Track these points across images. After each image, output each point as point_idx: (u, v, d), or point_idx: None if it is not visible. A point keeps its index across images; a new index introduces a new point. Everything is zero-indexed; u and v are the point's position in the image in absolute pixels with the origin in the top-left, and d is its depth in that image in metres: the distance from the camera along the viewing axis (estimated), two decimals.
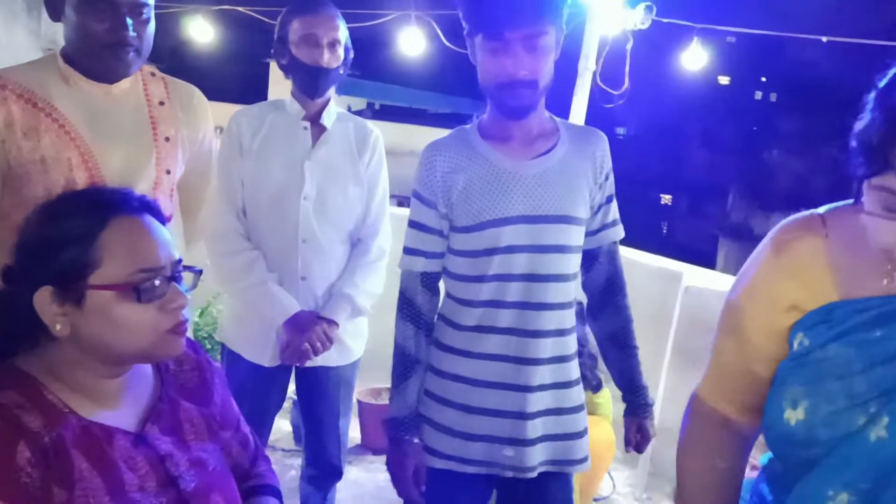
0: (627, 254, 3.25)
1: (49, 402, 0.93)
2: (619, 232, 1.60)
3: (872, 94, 0.86)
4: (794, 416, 0.93)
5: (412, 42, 4.95)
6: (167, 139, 1.51)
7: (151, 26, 1.45)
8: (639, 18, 3.74)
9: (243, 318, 1.96)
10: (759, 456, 1.13)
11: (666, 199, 31.56)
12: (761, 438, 1.05)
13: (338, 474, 2.10)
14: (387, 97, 19.50)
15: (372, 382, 3.14)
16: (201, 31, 5.15)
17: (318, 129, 1.96)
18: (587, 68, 3.67)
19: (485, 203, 1.44)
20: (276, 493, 1.19)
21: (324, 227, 1.93)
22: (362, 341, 2.08)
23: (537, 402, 1.47)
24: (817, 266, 0.94)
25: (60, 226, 0.95)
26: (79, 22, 1.37)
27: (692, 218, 28.69)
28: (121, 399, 1.01)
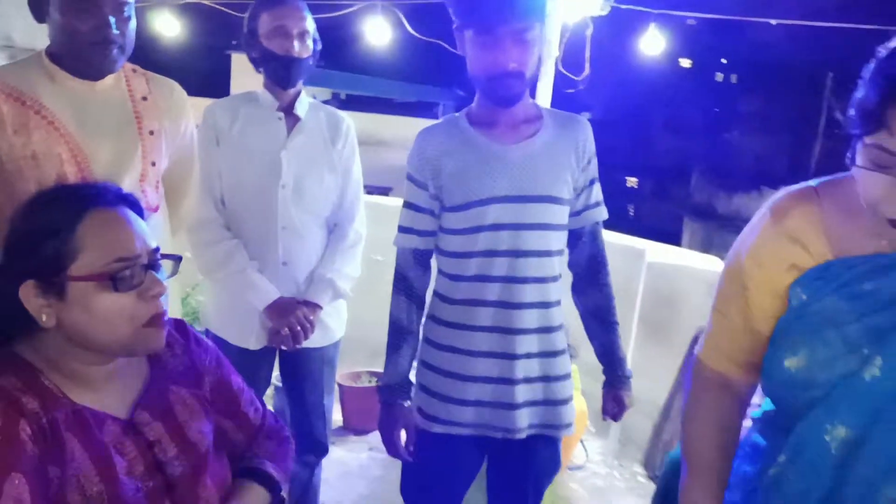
0: None
1: (45, 386, 0.97)
2: (602, 213, 1.69)
3: (873, 64, 0.95)
4: (793, 362, 1.04)
5: (378, 31, 4.98)
6: (151, 132, 1.57)
7: (133, 23, 1.51)
8: (598, 5, 3.84)
9: (226, 304, 2.03)
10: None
11: (632, 181, 31.91)
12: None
13: (324, 450, 2.18)
14: (353, 87, 19.40)
15: (351, 367, 3.23)
16: (166, 25, 5.13)
17: (291, 119, 2.03)
18: (550, 55, 3.77)
19: (472, 184, 1.54)
20: (266, 478, 1.18)
21: (302, 214, 2.01)
22: (342, 322, 2.16)
23: (524, 369, 1.58)
24: (813, 230, 1.06)
25: (38, 221, 0.98)
26: (63, 22, 1.42)
27: (657, 199, 29.09)
28: (111, 386, 1.04)
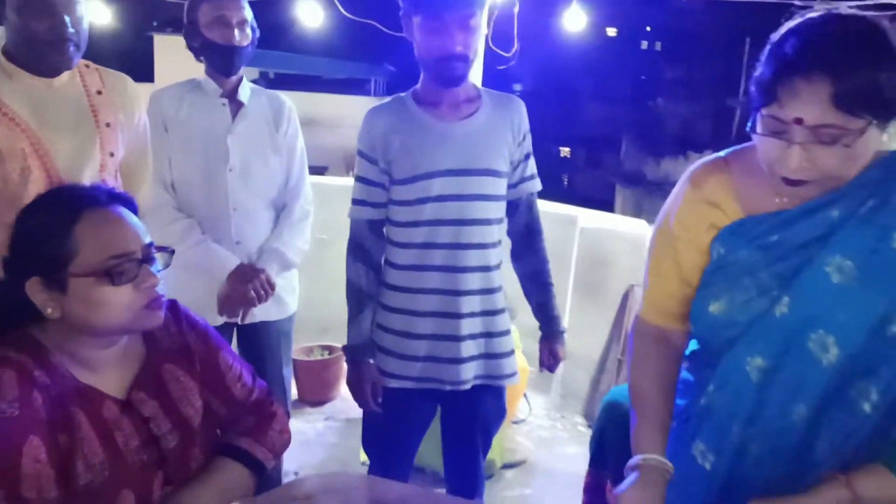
0: None
1: (54, 365, 1.07)
2: (537, 185, 1.86)
3: (768, 48, 1.11)
4: (716, 307, 1.22)
5: (305, 9, 4.97)
6: (108, 125, 1.64)
7: (86, 21, 1.57)
8: None
9: (185, 283, 2.10)
10: None
11: (565, 151, 32.44)
12: None
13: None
14: (281, 65, 18.99)
15: (303, 343, 3.34)
16: (97, 14, 5.01)
17: (235, 104, 2.12)
18: (482, 31, 3.89)
19: (419, 159, 1.69)
20: (241, 454, 1.24)
21: (251, 196, 2.11)
22: (295, 296, 2.28)
23: (469, 327, 1.74)
24: (726, 194, 1.23)
25: (37, 224, 1.07)
26: (21, 23, 1.48)
27: (590, 168, 29.69)
28: (111, 368, 1.14)
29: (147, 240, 1.12)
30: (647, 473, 1.21)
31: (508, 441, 2.92)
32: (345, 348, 1.79)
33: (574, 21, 4.13)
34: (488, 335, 1.78)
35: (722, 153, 1.29)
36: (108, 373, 1.13)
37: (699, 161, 1.31)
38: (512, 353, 1.83)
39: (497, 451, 2.74)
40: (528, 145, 1.82)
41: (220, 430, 1.28)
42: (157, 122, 2.02)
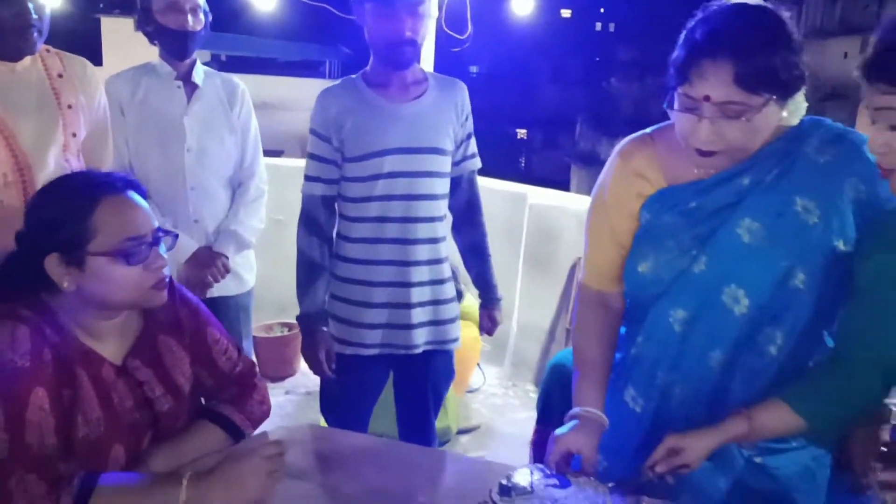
0: (482, 182, 3.66)
1: (63, 328, 1.17)
2: (478, 163, 1.99)
3: (683, 33, 1.23)
4: (644, 266, 1.36)
5: None
6: (69, 106, 1.69)
7: (48, 7, 1.62)
8: None
9: None
10: None
11: (522, 133, 32.68)
12: None
13: None
14: (233, 48, 18.64)
15: (262, 320, 3.42)
16: None
17: (190, 86, 2.19)
18: (432, 16, 3.96)
19: (370, 138, 1.78)
20: (221, 418, 1.32)
21: (207, 175, 2.18)
22: (253, 272, 2.37)
23: (418, 295, 1.85)
24: (651, 166, 1.36)
25: (60, 206, 1.16)
26: None
27: (546, 149, 29.99)
28: (111, 336, 1.23)
29: (156, 224, 1.22)
30: (584, 422, 1.34)
31: (464, 409, 3.05)
32: (299, 318, 1.88)
33: (527, 3, 4.22)
34: (436, 302, 1.89)
35: (648, 130, 1.42)
36: (109, 340, 1.23)
37: (628, 137, 1.44)
38: (456, 318, 1.95)
39: (453, 418, 2.87)
40: (470, 126, 1.94)
41: (205, 398, 1.38)
42: (113, 106, 2.07)
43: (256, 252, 2.36)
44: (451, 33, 4.16)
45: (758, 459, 1.34)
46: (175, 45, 2.11)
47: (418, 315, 1.85)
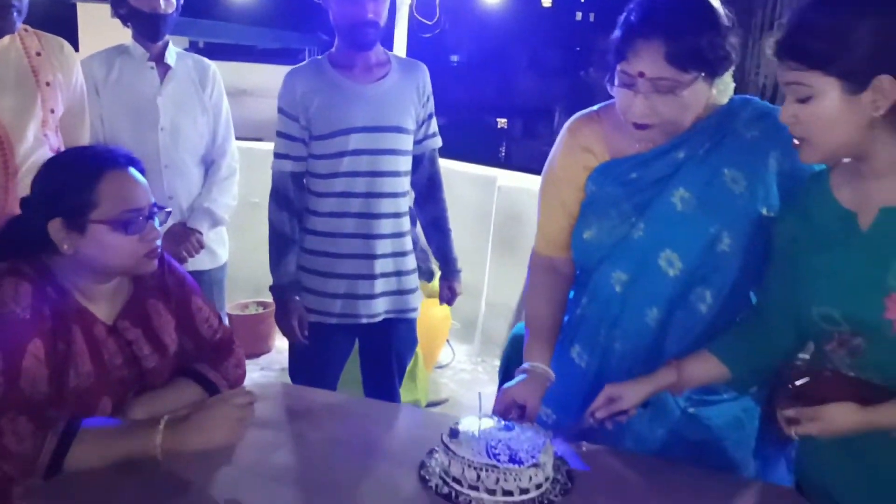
0: (454, 166, 3.77)
1: (61, 287, 1.27)
2: (438, 142, 2.10)
3: (623, 15, 1.34)
4: (589, 234, 1.46)
5: None
6: (48, 84, 1.77)
7: None
8: None
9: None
10: None
11: (502, 122, 32.70)
12: None
13: None
14: (211, 35, 18.49)
15: (238, 299, 3.50)
16: None
17: (163, 67, 2.27)
18: (403, 2, 4.04)
19: (335, 117, 1.88)
20: (200, 377, 1.42)
21: (181, 153, 2.27)
22: (226, 247, 2.46)
23: (381, 266, 1.96)
24: (597, 141, 1.47)
25: (68, 176, 1.27)
26: None
27: (526, 139, 30.02)
28: (103, 299, 1.33)
29: (152, 199, 1.33)
30: (531, 376, 1.45)
31: (433, 384, 3.16)
32: (271, 288, 1.97)
33: None
34: (398, 273, 2.00)
35: (594, 107, 1.53)
36: (102, 302, 1.33)
37: (576, 114, 1.55)
38: (417, 289, 2.07)
39: (422, 392, 2.98)
40: (431, 106, 2.04)
41: (186, 361, 1.47)
42: (88, 86, 2.13)
43: (232, 233, 2.46)
44: (422, 19, 4.24)
45: (691, 410, 1.46)
46: (147, 27, 2.20)
47: (381, 285, 1.96)
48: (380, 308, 1.97)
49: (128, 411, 1.32)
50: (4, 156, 1.67)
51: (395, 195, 1.95)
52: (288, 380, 2.13)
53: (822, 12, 1.09)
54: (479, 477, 1.17)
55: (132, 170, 1.31)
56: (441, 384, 3.24)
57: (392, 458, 1.33)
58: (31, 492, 1.17)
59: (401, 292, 2.01)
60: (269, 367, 3.36)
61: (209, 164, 2.35)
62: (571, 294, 1.59)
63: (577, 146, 1.49)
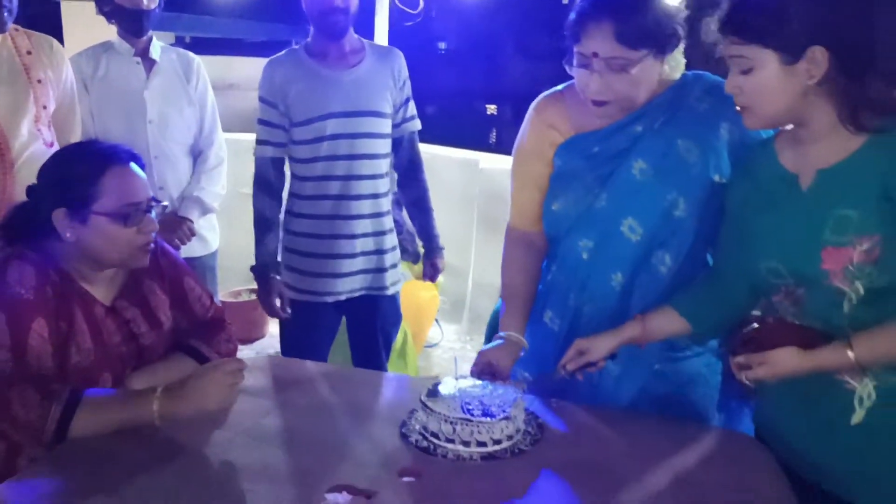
0: (437, 150, 3.85)
1: (63, 270, 1.36)
2: (417, 124, 2.18)
3: (577, 1, 1.43)
4: (557, 205, 1.56)
5: None
6: (39, 81, 1.85)
7: None
8: None
9: None
10: None
11: (491, 109, 32.63)
12: None
13: None
14: (197, 29, 18.42)
15: (231, 287, 3.59)
16: None
17: (148, 62, 2.36)
18: None
19: (312, 103, 1.96)
20: (194, 352, 1.50)
21: (170, 144, 2.35)
22: (216, 234, 2.55)
23: (362, 245, 2.05)
24: (562, 118, 1.56)
25: (74, 169, 1.35)
26: None
27: (517, 124, 29.98)
28: (102, 282, 1.42)
29: (150, 194, 1.42)
30: (506, 342, 1.54)
31: (424, 359, 3.26)
32: (253, 268, 2.06)
33: None
34: (379, 252, 2.09)
35: (559, 87, 1.62)
36: (100, 285, 1.42)
37: (542, 94, 1.64)
38: (397, 265, 2.17)
39: (412, 369, 3.07)
40: (408, 90, 2.13)
41: (180, 337, 1.56)
42: (77, 83, 2.21)
43: (222, 223, 2.54)
44: (404, 7, 4.30)
45: (657, 367, 1.56)
46: (131, 23, 2.28)
47: (361, 263, 2.05)
48: (358, 284, 2.07)
49: (127, 385, 1.41)
50: (1, 151, 1.75)
51: (373, 177, 2.04)
52: None
53: None
54: (454, 430, 1.27)
55: (133, 165, 1.40)
56: (431, 362, 3.34)
57: (376, 419, 1.42)
58: (35, 460, 1.26)
59: (380, 269, 2.10)
60: (263, 352, 3.45)
61: (197, 155, 2.43)
62: (544, 265, 1.68)
63: (544, 124, 1.58)
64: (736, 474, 1.24)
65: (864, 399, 1.20)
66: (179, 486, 1.16)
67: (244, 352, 3.44)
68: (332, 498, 1.12)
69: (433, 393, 1.34)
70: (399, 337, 2.69)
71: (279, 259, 2.09)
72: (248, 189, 3.43)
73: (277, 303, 2.04)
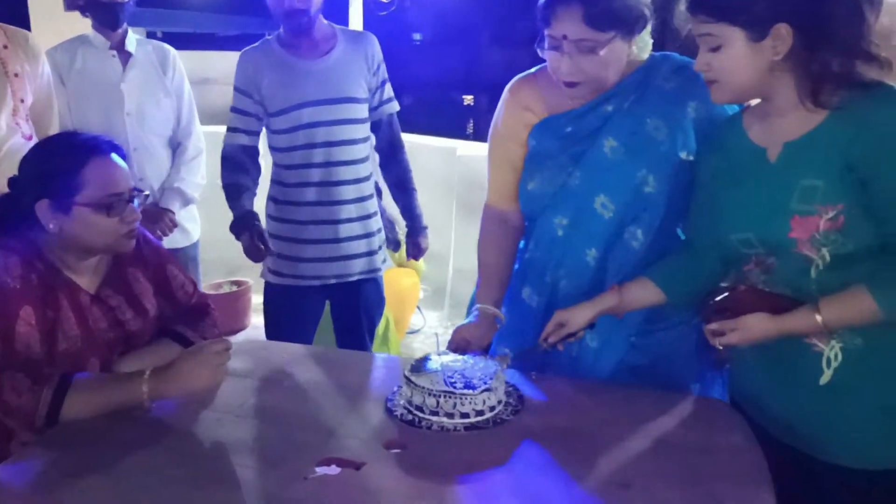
0: (415, 139, 3.87)
1: (49, 260, 1.38)
2: (395, 106, 2.20)
3: None
4: (532, 185, 1.59)
5: None
6: (16, 74, 1.85)
7: None
8: None
9: None
10: None
11: (468, 99, 32.67)
12: None
13: None
14: (169, 24, 18.23)
15: (212, 280, 3.59)
16: None
17: (124, 55, 2.36)
18: None
19: (286, 93, 1.99)
20: (180, 337, 1.53)
21: (148, 136, 2.36)
22: (197, 224, 2.57)
23: (347, 230, 2.08)
24: (535, 100, 1.59)
25: (56, 160, 1.36)
26: None
27: (493, 115, 30.06)
28: (87, 271, 1.43)
29: (132, 184, 1.43)
30: (482, 316, 1.60)
31: (406, 348, 3.29)
32: (231, 226, 2.04)
33: None
34: (364, 236, 2.12)
35: (533, 69, 1.65)
36: (85, 273, 1.44)
37: (516, 77, 1.67)
38: (382, 248, 2.20)
39: (395, 353, 3.10)
40: (383, 73, 2.15)
41: (165, 323, 1.59)
42: (54, 76, 2.21)
43: (203, 216, 2.56)
44: None
45: (634, 339, 1.60)
46: (106, 16, 2.28)
47: (351, 247, 2.09)
48: (354, 269, 2.10)
49: (115, 370, 1.43)
50: None
51: (354, 162, 2.07)
52: None
53: None
54: (438, 403, 1.31)
55: (115, 156, 1.41)
56: (413, 347, 3.37)
57: (362, 396, 1.46)
58: (27, 444, 1.28)
59: (368, 254, 2.14)
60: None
61: (176, 146, 2.44)
62: (522, 244, 1.72)
63: (518, 105, 1.62)
64: (711, 437, 1.28)
65: (831, 360, 1.25)
66: (171, 464, 1.18)
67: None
68: (322, 470, 1.15)
69: (417, 368, 1.38)
70: (381, 323, 2.72)
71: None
72: None
73: (257, 241, 1.96)
